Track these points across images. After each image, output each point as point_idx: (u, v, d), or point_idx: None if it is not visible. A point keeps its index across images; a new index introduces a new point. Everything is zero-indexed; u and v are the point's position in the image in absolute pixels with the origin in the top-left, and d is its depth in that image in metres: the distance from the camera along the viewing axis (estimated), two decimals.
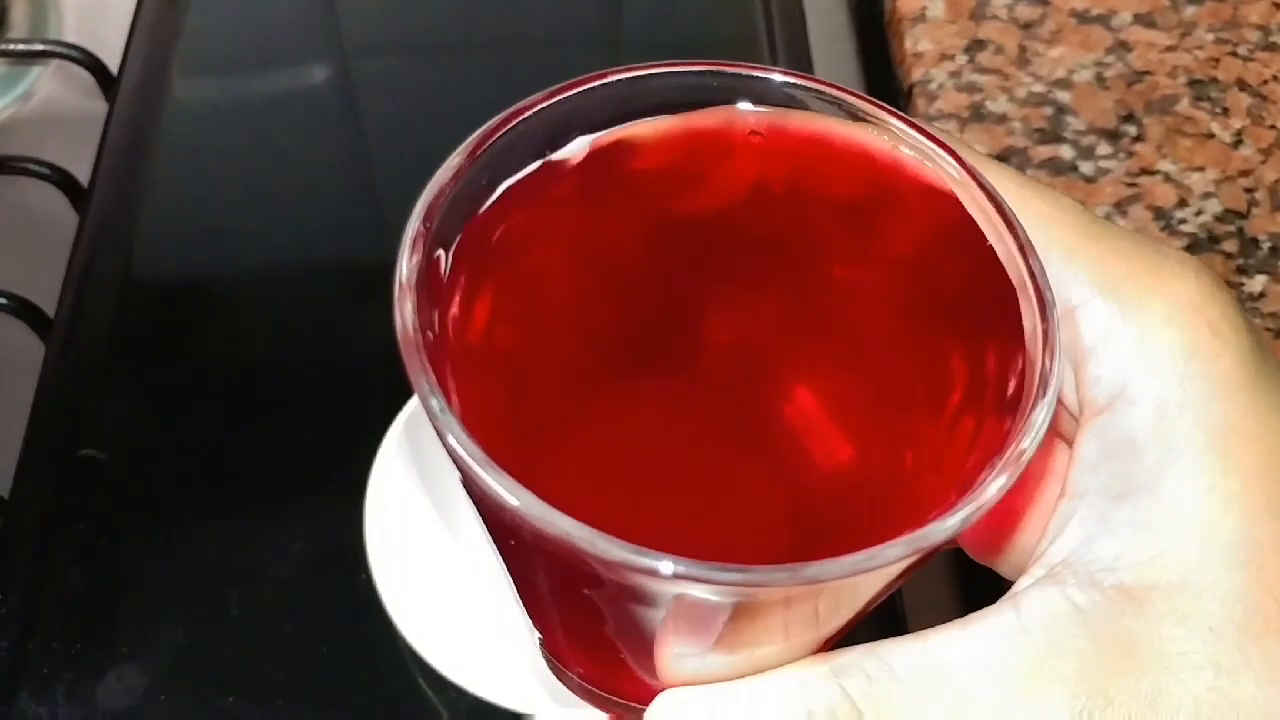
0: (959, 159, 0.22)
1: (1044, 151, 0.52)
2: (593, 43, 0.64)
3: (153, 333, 0.52)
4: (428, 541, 0.43)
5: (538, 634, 0.26)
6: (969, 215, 0.22)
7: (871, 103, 0.23)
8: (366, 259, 0.55)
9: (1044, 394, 0.20)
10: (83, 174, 0.56)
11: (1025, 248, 0.21)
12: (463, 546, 0.43)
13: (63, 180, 0.55)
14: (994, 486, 0.19)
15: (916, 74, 0.55)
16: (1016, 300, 0.21)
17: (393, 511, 0.44)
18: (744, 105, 0.23)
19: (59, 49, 0.59)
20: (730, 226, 0.23)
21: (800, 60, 0.58)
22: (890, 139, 0.23)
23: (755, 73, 0.23)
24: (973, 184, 0.22)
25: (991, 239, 0.22)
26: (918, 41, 0.56)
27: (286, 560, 0.45)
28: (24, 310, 0.51)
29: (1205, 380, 0.21)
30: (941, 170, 0.22)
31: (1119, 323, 0.22)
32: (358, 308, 0.53)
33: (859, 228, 0.23)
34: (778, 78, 0.23)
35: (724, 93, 0.23)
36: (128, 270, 0.53)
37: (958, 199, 0.22)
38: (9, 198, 0.57)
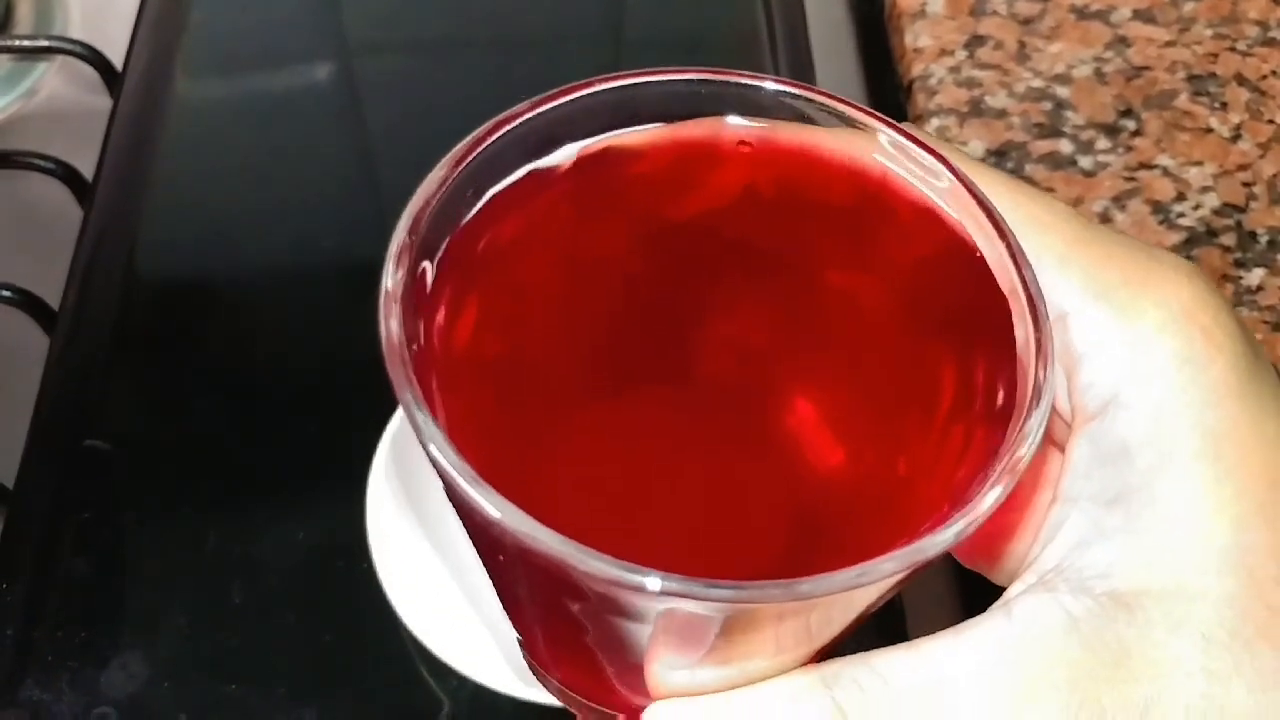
0: (950, 166, 0.22)
1: (1043, 146, 0.52)
2: (595, 40, 0.64)
3: (156, 326, 0.52)
4: (429, 530, 0.43)
5: (518, 635, 0.26)
6: (960, 223, 0.22)
7: (862, 110, 0.22)
8: (369, 253, 0.55)
9: (1038, 404, 0.20)
10: (87, 169, 0.56)
11: (1017, 256, 0.21)
12: (463, 536, 0.43)
13: (67, 175, 0.56)
14: (988, 499, 0.19)
15: (916, 69, 0.55)
16: (1009, 309, 0.21)
17: (394, 501, 0.44)
18: (733, 114, 0.23)
19: (64, 45, 0.59)
20: (718, 236, 0.23)
21: (800, 56, 0.58)
22: (881, 146, 0.23)
23: (744, 80, 0.23)
24: (964, 191, 0.22)
25: (982, 246, 0.22)
26: (918, 37, 0.56)
27: (289, 549, 0.45)
28: (29, 304, 0.51)
29: (1198, 386, 0.21)
30: (933, 177, 0.22)
31: (1112, 329, 0.22)
32: (359, 301, 0.52)
33: (849, 236, 0.23)
34: (767, 85, 0.23)
35: (713, 101, 0.23)
36: (132, 264, 0.53)
37: (949, 206, 0.22)
38: (14, 192, 0.58)
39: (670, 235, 0.23)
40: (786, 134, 0.23)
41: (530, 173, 0.22)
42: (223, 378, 0.51)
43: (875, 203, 0.23)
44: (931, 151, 0.22)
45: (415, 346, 0.19)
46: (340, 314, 0.52)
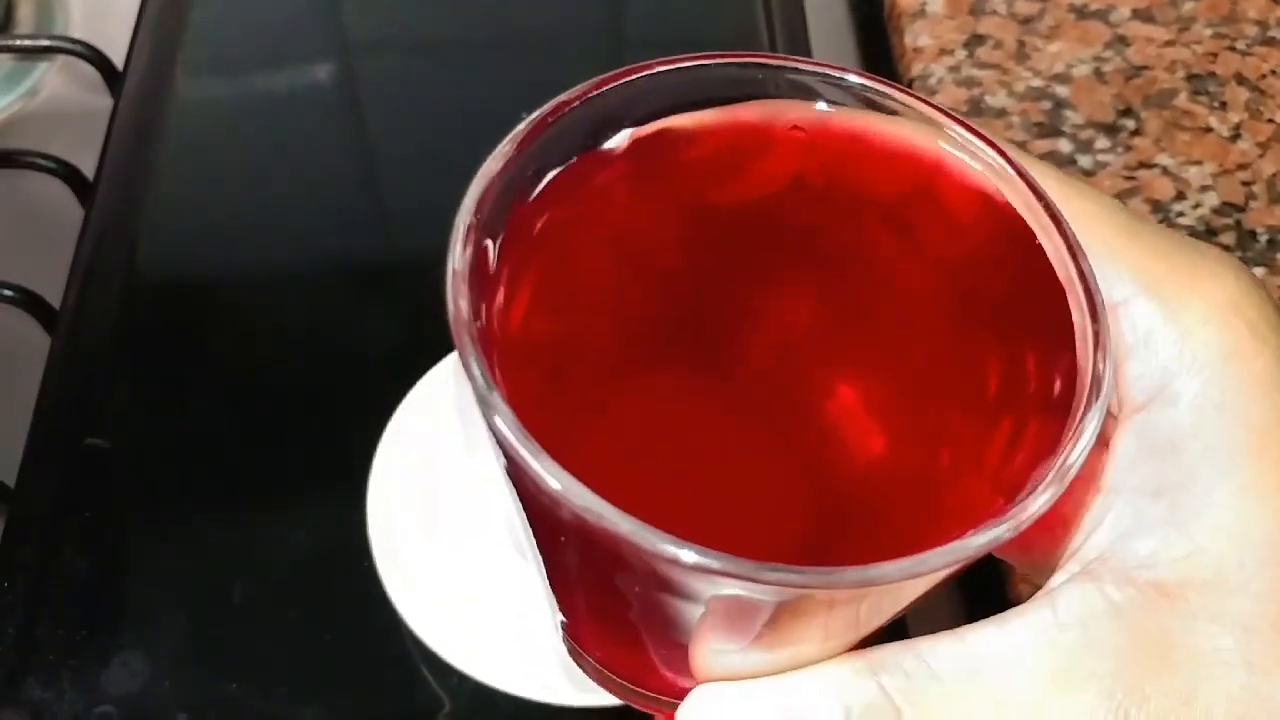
0: (1006, 157, 0.22)
1: (1042, 145, 0.52)
2: (595, 39, 0.64)
3: (157, 325, 0.52)
4: (430, 529, 0.44)
5: (561, 616, 0.26)
6: (1016, 213, 0.22)
7: (917, 98, 0.23)
8: (369, 253, 0.55)
9: (1097, 397, 0.20)
10: (88, 168, 0.56)
11: (1074, 247, 0.21)
12: (464, 534, 0.43)
13: (69, 174, 0.56)
14: (1047, 493, 0.19)
15: (916, 69, 0.55)
16: (1065, 300, 0.21)
17: (395, 499, 0.44)
18: (788, 99, 0.23)
19: (65, 45, 0.59)
20: (771, 220, 0.23)
21: (800, 55, 0.58)
22: (935, 135, 0.23)
23: (799, 66, 0.23)
24: (1020, 182, 0.22)
25: (1039, 238, 0.22)
26: (917, 37, 0.56)
27: (290, 548, 0.45)
28: (30, 303, 0.51)
29: (1244, 380, 0.21)
30: (988, 168, 0.22)
31: (1159, 321, 0.22)
32: (359, 301, 0.53)
33: (902, 224, 0.23)
34: (822, 71, 0.23)
35: (767, 86, 0.23)
36: (132, 264, 0.53)
37: (1004, 197, 0.22)
38: (16, 192, 0.58)
39: (723, 219, 0.23)
40: (841, 119, 0.23)
41: (587, 155, 0.22)
42: (223, 376, 0.51)
43: (930, 191, 0.23)
44: (988, 142, 0.22)
45: (479, 324, 0.20)
46: (340, 314, 0.53)
